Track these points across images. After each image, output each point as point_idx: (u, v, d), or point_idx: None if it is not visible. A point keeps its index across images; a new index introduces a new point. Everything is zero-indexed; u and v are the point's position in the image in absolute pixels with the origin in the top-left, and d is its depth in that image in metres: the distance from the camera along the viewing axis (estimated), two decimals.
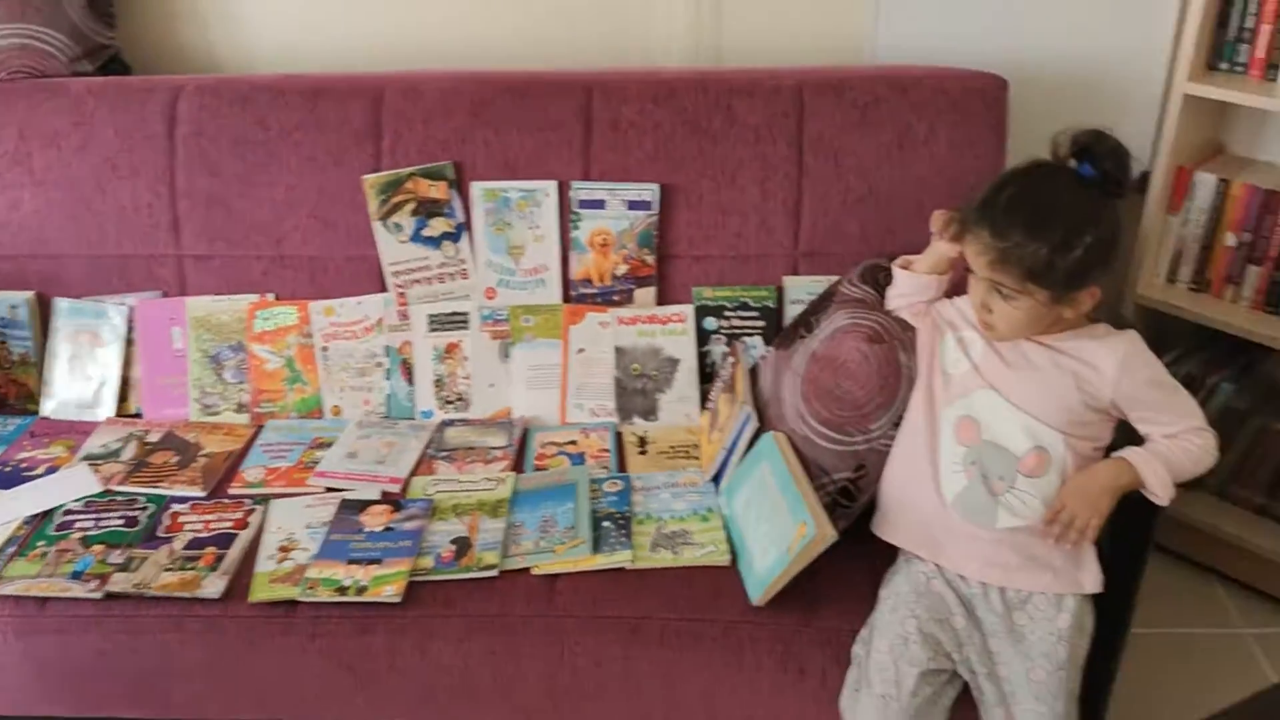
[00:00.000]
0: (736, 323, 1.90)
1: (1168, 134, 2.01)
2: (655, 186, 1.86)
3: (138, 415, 1.92)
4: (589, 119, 1.88)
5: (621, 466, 1.76)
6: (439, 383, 1.90)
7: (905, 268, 1.65)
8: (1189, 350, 2.19)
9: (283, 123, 1.90)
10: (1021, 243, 1.38)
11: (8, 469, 1.77)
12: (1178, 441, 1.43)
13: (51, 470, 1.76)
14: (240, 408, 1.91)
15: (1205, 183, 2.05)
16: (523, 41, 2.12)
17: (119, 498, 1.70)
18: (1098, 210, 1.40)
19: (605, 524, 1.60)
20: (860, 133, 1.86)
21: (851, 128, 1.86)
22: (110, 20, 2.04)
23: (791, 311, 1.88)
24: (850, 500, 1.58)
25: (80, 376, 1.92)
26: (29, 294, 1.93)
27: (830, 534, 1.43)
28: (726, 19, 2.12)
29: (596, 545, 1.56)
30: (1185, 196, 2.07)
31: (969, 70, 1.89)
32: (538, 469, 1.75)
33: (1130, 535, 1.47)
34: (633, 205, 1.87)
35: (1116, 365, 1.43)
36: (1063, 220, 1.38)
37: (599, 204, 1.88)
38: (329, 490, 1.70)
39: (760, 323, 1.89)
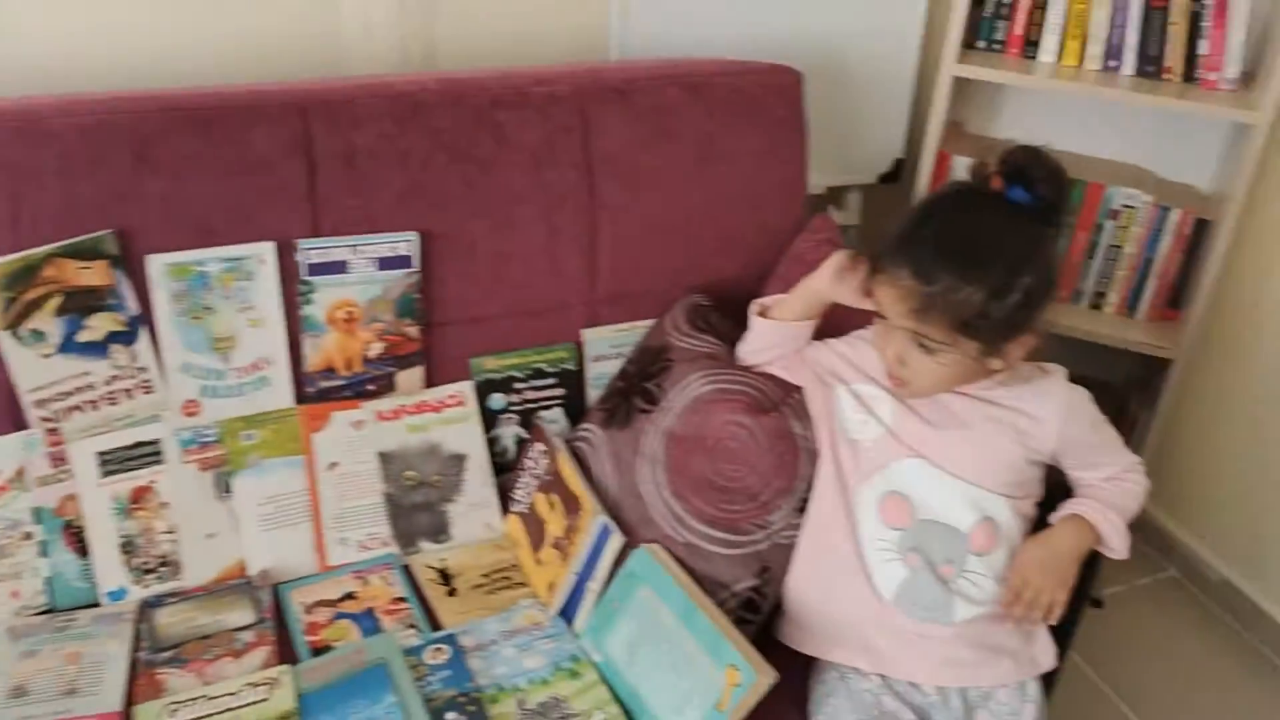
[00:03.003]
0: (530, 396, 1.50)
1: (936, 117, 1.88)
2: (413, 235, 1.40)
3: None
4: (310, 152, 1.36)
5: (431, 619, 1.30)
6: (129, 546, 1.31)
7: (764, 314, 1.34)
8: None
9: None
10: (952, 286, 1.12)
11: None
12: (1118, 484, 1.25)
13: None
14: None
15: (964, 166, 1.93)
16: (158, 48, 1.53)
17: None
18: (1035, 245, 1.16)
19: (450, 716, 1.15)
20: (655, 146, 1.52)
21: (645, 141, 1.51)
22: None
23: (596, 371, 1.52)
24: (755, 612, 1.26)
25: None
26: None
27: (770, 675, 1.10)
28: (439, 12, 1.67)
29: None
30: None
31: (761, 63, 1.60)
32: (314, 649, 1.25)
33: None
34: (384, 264, 1.40)
35: (1059, 413, 1.21)
36: (999, 259, 1.13)
37: (338, 267, 1.38)
38: None
39: (559, 391, 1.51)
